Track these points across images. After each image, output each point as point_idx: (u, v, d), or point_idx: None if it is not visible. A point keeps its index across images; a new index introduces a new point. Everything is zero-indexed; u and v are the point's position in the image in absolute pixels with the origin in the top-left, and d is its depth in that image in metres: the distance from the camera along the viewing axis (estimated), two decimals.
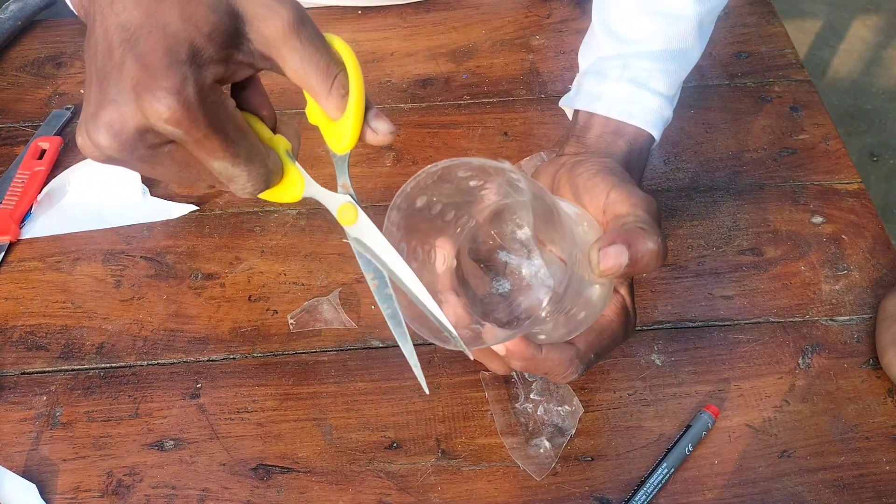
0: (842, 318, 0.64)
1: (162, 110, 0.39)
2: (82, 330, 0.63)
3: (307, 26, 0.42)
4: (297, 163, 0.44)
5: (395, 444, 0.58)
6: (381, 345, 0.62)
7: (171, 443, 0.58)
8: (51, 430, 0.58)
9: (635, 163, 0.60)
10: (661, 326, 0.63)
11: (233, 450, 0.57)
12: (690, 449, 0.57)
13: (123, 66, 0.40)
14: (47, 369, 0.61)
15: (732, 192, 0.72)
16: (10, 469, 0.56)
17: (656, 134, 0.61)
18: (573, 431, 0.58)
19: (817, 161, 0.74)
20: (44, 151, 0.72)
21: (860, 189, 0.72)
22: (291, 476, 0.56)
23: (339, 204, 0.45)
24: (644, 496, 0.55)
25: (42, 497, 0.55)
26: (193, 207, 0.68)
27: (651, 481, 0.55)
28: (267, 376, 0.61)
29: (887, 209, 1.76)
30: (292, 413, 0.59)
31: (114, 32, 0.40)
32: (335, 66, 0.43)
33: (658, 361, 0.61)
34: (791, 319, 0.64)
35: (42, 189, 0.70)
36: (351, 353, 0.62)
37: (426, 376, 0.60)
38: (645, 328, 0.63)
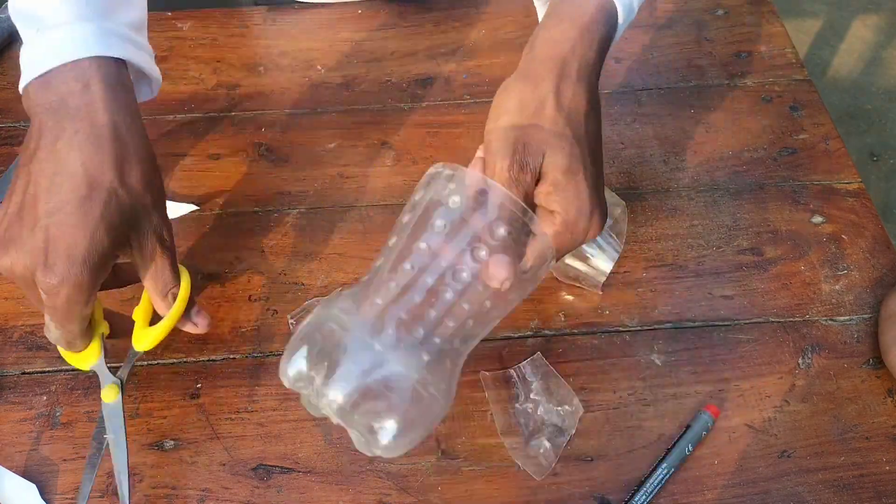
0: (842, 318, 0.64)
1: (45, 286, 0.50)
2: None
3: (170, 246, 0.56)
4: (103, 344, 0.59)
5: None
6: None
7: (171, 443, 0.58)
8: (51, 430, 0.58)
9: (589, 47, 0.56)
10: (661, 326, 0.63)
11: (233, 450, 0.57)
12: (690, 449, 0.57)
13: (36, 230, 0.50)
14: (47, 369, 0.61)
15: (732, 191, 0.72)
16: (10, 469, 0.56)
17: (621, 12, 0.56)
18: (573, 431, 0.58)
19: (817, 161, 0.74)
20: None
21: (860, 189, 0.72)
22: (291, 476, 0.56)
23: (109, 382, 0.58)
24: (644, 496, 0.55)
25: (42, 497, 0.55)
26: (194, 207, 0.68)
27: (651, 481, 0.55)
28: (267, 376, 0.61)
29: (887, 209, 1.76)
30: (292, 413, 0.59)
31: (53, 185, 0.51)
32: (174, 282, 0.58)
33: (658, 361, 0.61)
34: (791, 319, 0.64)
35: None
36: None
37: None
38: (645, 328, 0.63)
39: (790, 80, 0.80)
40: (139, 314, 0.61)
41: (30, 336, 0.63)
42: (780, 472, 0.57)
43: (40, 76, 0.53)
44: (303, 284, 0.65)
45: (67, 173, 0.51)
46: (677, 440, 0.57)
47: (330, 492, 0.56)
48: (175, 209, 0.69)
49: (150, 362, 0.61)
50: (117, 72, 0.54)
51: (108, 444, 0.56)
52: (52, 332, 0.55)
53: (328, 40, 0.82)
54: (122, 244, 0.53)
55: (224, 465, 0.57)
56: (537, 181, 0.51)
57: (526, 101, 0.52)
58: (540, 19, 0.60)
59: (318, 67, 0.80)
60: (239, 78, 0.80)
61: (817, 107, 0.78)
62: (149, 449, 0.57)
